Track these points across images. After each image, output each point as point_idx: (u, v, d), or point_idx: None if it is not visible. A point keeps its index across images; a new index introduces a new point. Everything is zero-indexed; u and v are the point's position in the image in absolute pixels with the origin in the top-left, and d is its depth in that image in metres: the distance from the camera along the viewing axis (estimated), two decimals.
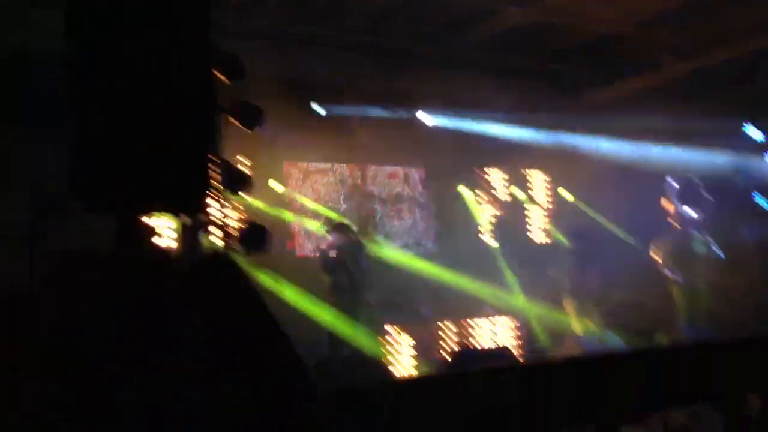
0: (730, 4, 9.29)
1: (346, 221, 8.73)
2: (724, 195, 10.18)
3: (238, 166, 6.41)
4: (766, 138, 11.30)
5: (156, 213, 6.02)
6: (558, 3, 8.86)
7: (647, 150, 10.92)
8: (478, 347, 9.29)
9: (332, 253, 8.35)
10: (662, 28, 9.84)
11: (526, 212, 11.55)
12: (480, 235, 10.67)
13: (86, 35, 4.58)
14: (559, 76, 11.31)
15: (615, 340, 8.22)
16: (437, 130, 10.06)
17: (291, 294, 8.17)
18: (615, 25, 9.69)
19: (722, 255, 9.18)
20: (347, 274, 8.24)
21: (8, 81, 6.66)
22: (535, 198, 11.64)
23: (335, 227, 8.55)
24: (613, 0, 9.00)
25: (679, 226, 9.29)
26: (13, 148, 6.70)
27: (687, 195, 10.08)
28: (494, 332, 9.68)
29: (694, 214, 9.49)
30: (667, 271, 9.21)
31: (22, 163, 6.69)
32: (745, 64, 10.32)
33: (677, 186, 10.02)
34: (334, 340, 8.04)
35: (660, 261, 9.26)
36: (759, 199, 11.46)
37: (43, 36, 6.50)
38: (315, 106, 9.16)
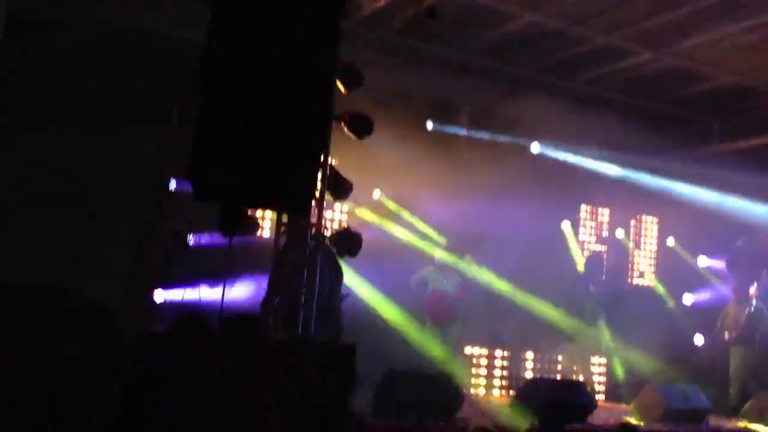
0: None
1: None
2: None
3: (341, 172, 6.60)
4: None
5: (260, 208, 6.33)
6: (694, 50, 8.57)
7: None
8: (554, 377, 9.10)
9: None
10: None
11: (629, 256, 11.19)
12: (577, 273, 10.43)
13: (227, 36, 4.89)
14: (687, 124, 10.92)
15: (699, 397, 7.84)
16: (547, 162, 9.93)
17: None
18: (752, 78, 9.27)
19: None
20: None
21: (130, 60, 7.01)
22: (640, 243, 11.27)
23: None
24: (754, 52, 8.62)
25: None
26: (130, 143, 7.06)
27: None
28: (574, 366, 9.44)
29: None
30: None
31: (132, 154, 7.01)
32: None
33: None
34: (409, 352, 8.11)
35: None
36: None
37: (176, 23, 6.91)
38: (428, 123, 9.25)
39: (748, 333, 9.19)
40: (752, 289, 9.37)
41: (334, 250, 6.39)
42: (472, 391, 8.65)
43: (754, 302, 9.31)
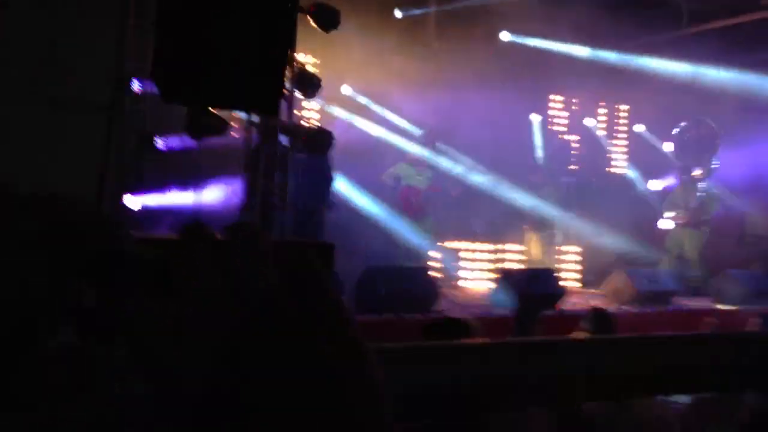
0: None
1: None
2: None
3: (309, 68, 6.39)
4: None
5: (227, 108, 6.13)
6: None
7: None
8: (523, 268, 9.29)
9: None
10: None
11: (601, 144, 11.21)
12: (545, 163, 10.45)
13: None
14: (656, 7, 10.69)
15: (667, 279, 8.11)
16: (517, 50, 9.73)
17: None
18: None
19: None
20: None
21: None
22: (612, 131, 11.26)
23: None
24: None
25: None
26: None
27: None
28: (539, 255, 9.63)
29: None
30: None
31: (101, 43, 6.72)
32: None
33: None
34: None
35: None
36: None
37: None
38: (396, 11, 8.93)
39: (699, 216, 9.42)
40: (696, 171, 9.56)
41: (313, 149, 6.28)
42: (452, 283, 8.82)
43: (700, 185, 9.51)
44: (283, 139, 5.82)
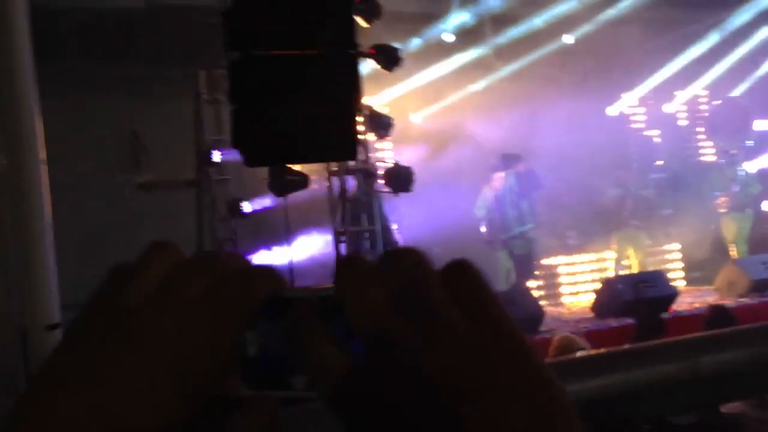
0: None
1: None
2: None
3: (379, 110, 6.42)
4: None
5: (308, 162, 6.23)
6: None
7: None
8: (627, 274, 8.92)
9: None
10: None
11: (681, 134, 10.78)
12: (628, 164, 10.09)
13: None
14: None
15: None
16: (581, 52, 9.45)
17: None
18: None
19: None
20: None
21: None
22: (690, 117, 10.81)
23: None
24: None
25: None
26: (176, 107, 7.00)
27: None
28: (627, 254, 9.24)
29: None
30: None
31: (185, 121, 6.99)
32: None
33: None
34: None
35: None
36: None
37: None
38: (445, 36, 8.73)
39: (741, 198, 8.91)
40: (733, 152, 9.14)
41: (386, 189, 6.29)
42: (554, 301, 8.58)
43: (737, 167, 9.01)
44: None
